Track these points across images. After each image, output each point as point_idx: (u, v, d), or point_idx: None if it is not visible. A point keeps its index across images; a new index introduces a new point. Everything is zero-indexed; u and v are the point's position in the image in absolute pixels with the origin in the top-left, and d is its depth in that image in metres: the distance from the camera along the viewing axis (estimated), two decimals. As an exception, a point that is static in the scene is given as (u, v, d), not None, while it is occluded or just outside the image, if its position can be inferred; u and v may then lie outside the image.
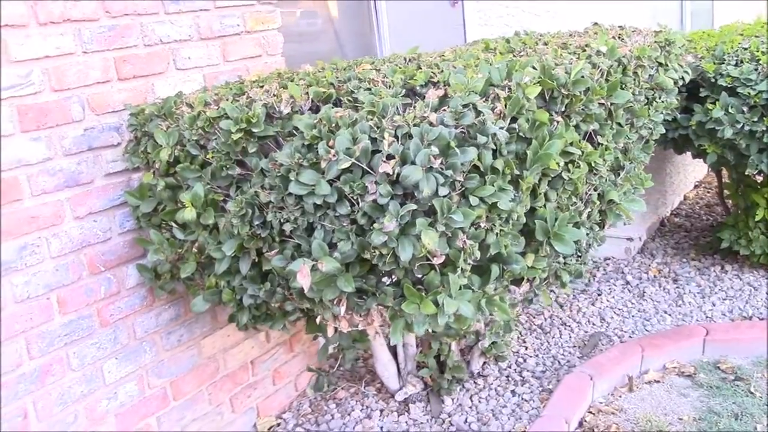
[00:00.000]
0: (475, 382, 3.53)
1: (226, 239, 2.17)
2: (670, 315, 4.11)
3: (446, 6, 4.75)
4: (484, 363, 3.65)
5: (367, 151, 1.89)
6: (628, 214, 2.66)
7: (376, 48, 4.19)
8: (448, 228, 1.91)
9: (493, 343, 3.45)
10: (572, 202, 2.41)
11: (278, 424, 3.35)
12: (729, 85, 3.57)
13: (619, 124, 2.67)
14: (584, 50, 2.54)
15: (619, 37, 2.86)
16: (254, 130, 2.11)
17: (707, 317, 4.06)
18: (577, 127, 2.42)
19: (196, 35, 2.90)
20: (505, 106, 2.02)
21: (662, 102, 2.89)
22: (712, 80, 3.60)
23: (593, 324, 4.09)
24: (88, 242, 2.56)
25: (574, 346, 3.86)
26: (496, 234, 2.10)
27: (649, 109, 2.81)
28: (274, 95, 2.21)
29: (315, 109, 2.24)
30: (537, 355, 3.78)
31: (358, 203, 1.93)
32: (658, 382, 3.53)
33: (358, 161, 1.90)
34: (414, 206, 1.86)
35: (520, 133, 2.12)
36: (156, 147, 2.34)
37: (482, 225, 2.04)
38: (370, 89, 2.18)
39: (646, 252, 4.94)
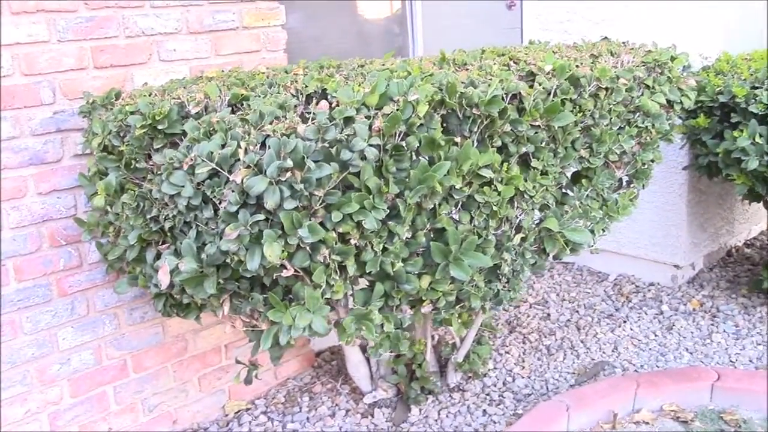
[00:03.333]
0: (451, 396, 3.46)
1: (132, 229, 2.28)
2: (690, 353, 3.81)
3: (501, 8, 4.61)
4: (469, 377, 3.56)
5: (226, 157, 1.92)
6: (563, 244, 2.50)
7: (409, 49, 4.15)
8: (303, 242, 1.90)
9: (466, 358, 3.37)
10: (492, 226, 2.31)
11: (247, 409, 3.45)
12: (761, 113, 3.23)
13: (574, 147, 2.51)
14: (533, 68, 2.40)
15: (595, 56, 2.67)
16: (159, 126, 2.19)
17: (731, 361, 3.73)
18: (505, 148, 2.31)
19: (185, 28, 3.01)
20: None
21: (642, 127, 2.68)
22: (743, 106, 3.28)
23: (604, 352, 3.87)
24: (50, 216, 2.75)
25: (573, 373, 3.68)
26: (375, 252, 2.06)
27: (619, 133, 2.61)
28: (190, 94, 2.28)
29: (232, 110, 2.28)
30: (529, 377, 3.64)
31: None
32: (647, 423, 3.30)
33: (220, 167, 1.93)
34: (261, 217, 1.87)
35: (412, 152, 2.06)
36: (94, 135, 2.48)
37: (353, 241, 2.01)
38: (272, 95, 2.20)
39: (696, 282, 4.59)
